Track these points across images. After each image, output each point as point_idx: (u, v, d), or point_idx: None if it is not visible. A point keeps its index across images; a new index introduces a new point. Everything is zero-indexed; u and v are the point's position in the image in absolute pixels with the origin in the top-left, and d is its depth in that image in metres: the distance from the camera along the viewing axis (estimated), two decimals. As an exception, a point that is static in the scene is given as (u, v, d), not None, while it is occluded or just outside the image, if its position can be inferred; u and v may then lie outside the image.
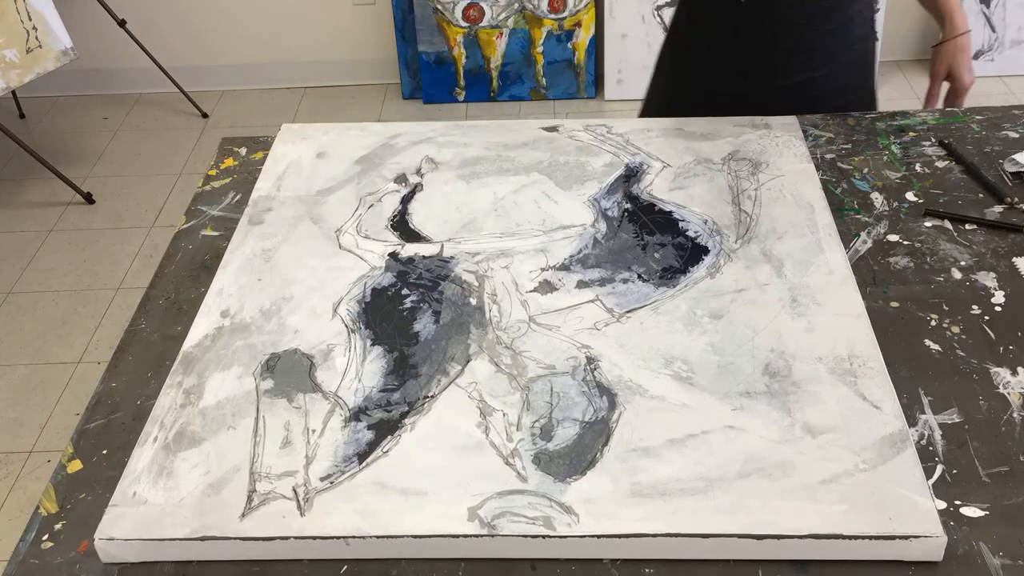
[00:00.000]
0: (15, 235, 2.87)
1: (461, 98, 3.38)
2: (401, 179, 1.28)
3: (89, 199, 2.99)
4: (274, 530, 0.83)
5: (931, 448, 0.90)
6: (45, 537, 0.87)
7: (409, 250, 1.16)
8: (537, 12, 3.22)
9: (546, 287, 1.09)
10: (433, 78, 3.35)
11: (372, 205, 1.24)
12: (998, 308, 1.05)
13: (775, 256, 1.10)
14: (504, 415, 0.93)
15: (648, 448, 0.89)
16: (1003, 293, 1.07)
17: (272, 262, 1.14)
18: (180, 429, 0.94)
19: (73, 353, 2.41)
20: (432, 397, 0.96)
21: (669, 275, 1.09)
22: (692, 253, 1.12)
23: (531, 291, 1.08)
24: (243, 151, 1.41)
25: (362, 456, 0.90)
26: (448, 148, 1.34)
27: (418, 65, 3.34)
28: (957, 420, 0.92)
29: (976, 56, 3.24)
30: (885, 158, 1.30)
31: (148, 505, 0.86)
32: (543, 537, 0.82)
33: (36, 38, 2.75)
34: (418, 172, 1.29)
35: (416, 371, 0.99)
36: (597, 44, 3.30)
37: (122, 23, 3.14)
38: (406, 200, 1.24)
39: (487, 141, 1.35)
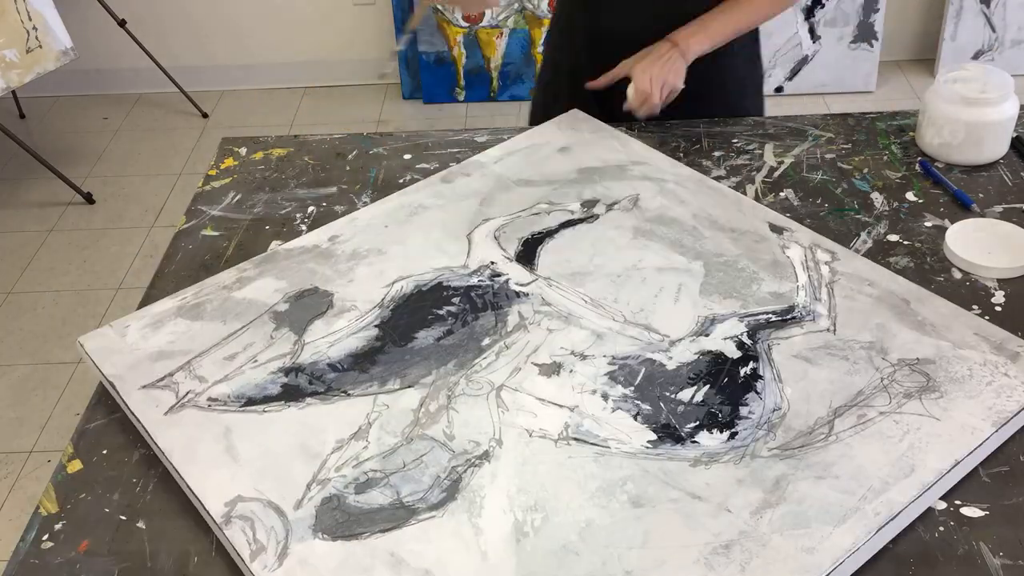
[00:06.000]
0: (15, 235, 2.87)
1: (461, 98, 3.38)
2: (589, 204, 1.21)
3: (89, 199, 2.99)
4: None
5: (931, 448, 0.90)
6: (45, 537, 0.87)
7: (506, 268, 1.11)
8: (537, 12, 3.22)
9: (550, 369, 0.97)
10: (433, 78, 3.34)
11: (539, 213, 1.19)
12: (998, 308, 1.05)
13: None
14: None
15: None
16: (1003, 293, 1.07)
17: (409, 223, 1.20)
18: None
19: (73, 353, 2.41)
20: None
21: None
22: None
23: (538, 364, 0.98)
24: (243, 151, 1.41)
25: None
26: (665, 197, 1.21)
27: (418, 65, 3.34)
28: (957, 420, 0.92)
29: (976, 56, 3.24)
30: (885, 158, 1.30)
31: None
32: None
33: (36, 38, 2.75)
34: (611, 205, 1.20)
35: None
36: (597, 44, 3.30)
37: (122, 23, 3.14)
38: (565, 225, 1.17)
39: (699, 206, 1.19)
